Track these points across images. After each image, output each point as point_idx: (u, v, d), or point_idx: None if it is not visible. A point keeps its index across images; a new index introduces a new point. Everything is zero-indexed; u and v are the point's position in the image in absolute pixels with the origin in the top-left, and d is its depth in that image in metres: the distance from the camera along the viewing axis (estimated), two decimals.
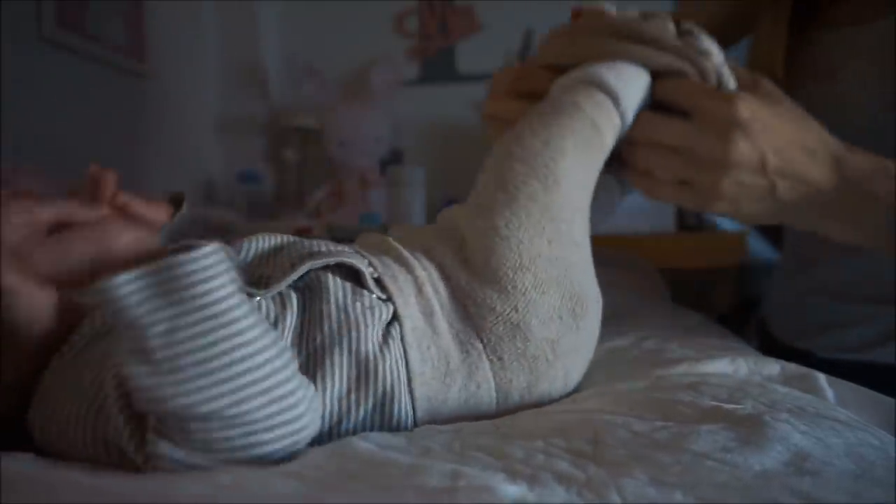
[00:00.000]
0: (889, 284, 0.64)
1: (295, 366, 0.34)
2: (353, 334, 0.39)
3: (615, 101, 0.46)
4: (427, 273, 0.43)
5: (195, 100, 1.71)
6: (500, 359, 0.41)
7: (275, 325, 0.38)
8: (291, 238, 0.45)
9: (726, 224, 1.29)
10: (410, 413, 0.40)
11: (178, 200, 0.61)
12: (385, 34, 1.78)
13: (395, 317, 0.41)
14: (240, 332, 0.31)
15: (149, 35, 1.51)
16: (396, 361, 0.40)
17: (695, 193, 0.47)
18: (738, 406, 0.38)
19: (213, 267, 0.31)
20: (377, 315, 0.40)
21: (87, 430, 0.34)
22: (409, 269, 0.43)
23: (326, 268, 0.42)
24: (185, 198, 0.63)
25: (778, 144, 0.45)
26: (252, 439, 0.30)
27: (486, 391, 0.41)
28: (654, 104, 0.48)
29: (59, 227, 0.36)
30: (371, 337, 0.39)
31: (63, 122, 1.29)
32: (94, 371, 0.35)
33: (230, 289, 0.31)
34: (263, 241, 0.44)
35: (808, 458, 0.31)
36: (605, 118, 0.46)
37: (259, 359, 0.31)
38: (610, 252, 1.05)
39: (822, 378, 0.47)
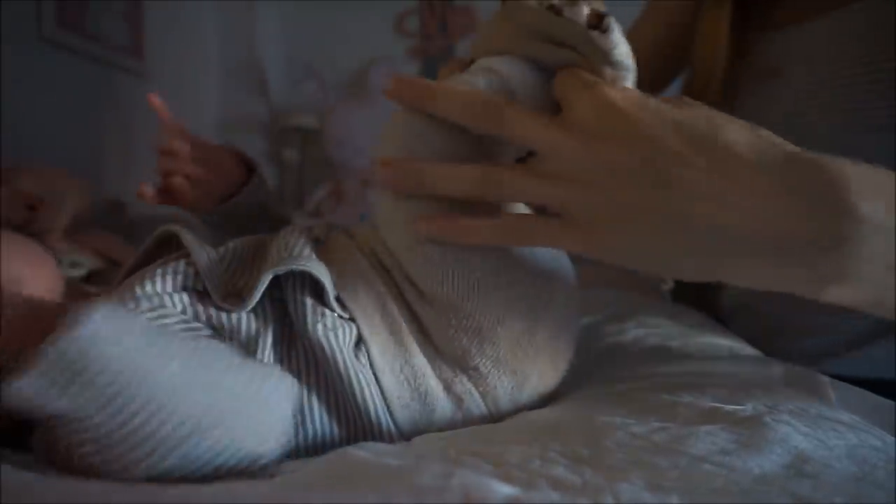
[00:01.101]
0: None
1: (235, 378, 0.31)
2: (322, 361, 0.37)
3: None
4: (388, 288, 0.40)
5: (195, 100, 1.71)
6: (475, 369, 0.39)
7: (256, 339, 0.37)
8: (267, 237, 0.44)
9: None
10: (397, 434, 0.38)
11: (252, 167, 0.59)
12: (385, 34, 1.78)
13: (361, 339, 0.39)
14: (156, 385, 0.29)
15: (148, 35, 1.51)
16: (371, 390, 0.37)
17: (564, 224, 0.35)
18: (739, 407, 0.37)
19: (101, 334, 0.28)
20: (341, 338, 0.38)
21: None
22: (370, 284, 0.40)
23: (291, 278, 0.39)
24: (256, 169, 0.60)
25: (669, 147, 0.32)
26: (215, 466, 0.29)
27: (472, 403, 0.39)
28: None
29: None
30: (342, 367, 0.37)
31: (63, 122, 1.29)
32: None
33: (129, 343, 0.29)
34: (239, 247, 0.43)
35: (809, 461, 0.30)
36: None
37: (181, 400, 0.29)
38: None
39: (826, 380, 0.46)
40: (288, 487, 0.25)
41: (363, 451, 0.32)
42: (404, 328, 0.39)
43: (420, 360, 0.39)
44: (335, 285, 0.40)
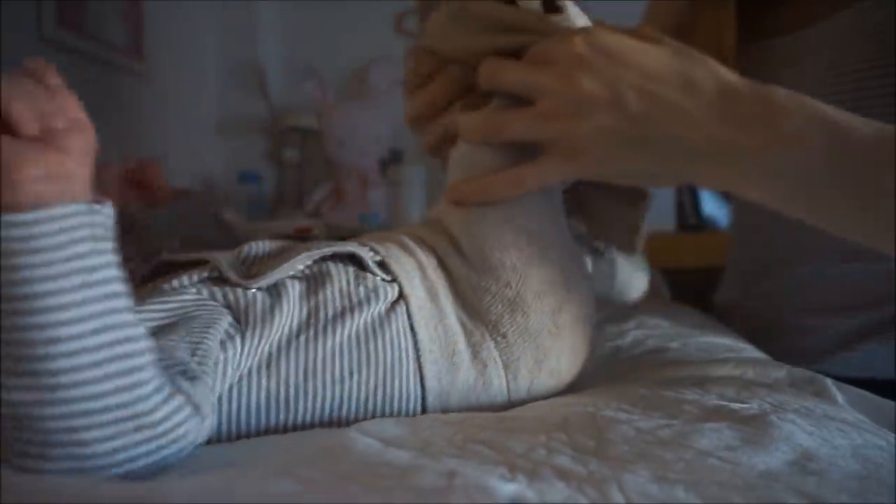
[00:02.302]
0: (840, 294, 0.63)
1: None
2: (355, 314, 0.40)
3: None
4: (428, 258, 0.45)
5: (195, 100, 1.70)
6: (503, 336, 0.42)
7: (272, 310, 0.38)
8: (289, 244, 0.45)
9: (726, 224, 1.28)
10: (419, 392, 0.40)
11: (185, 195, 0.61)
12: (385, 34, 1.77)
13: (402, 296, 0.42)
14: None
15: (148, 35, 1.50)
16: (401, 336, 0.40)
17: (552, 156, 0.42)
18: (744, 405, 0.37)
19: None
20: (381, 296, 0.41)
21: None
22: (411, 254, 0.44)
23: (329, 259, 0.43)
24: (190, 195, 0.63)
25: (638, 78, 0.39)
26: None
27: (494, 371, 0.42)
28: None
29: None
30: (370, 315, 0.40)
31: None
32: None
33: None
34: (264, 245, 0.44)
35: (813, 459, 0.30)
36: None
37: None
38: None
39: (829, 382, 0.46)
40: (295, 487, 0.25)
41: (369, 439, 0.32)
42: (442, 293, 0.43)
43: (453, 323, 0.42)
44: (378, 253, 0.43)
